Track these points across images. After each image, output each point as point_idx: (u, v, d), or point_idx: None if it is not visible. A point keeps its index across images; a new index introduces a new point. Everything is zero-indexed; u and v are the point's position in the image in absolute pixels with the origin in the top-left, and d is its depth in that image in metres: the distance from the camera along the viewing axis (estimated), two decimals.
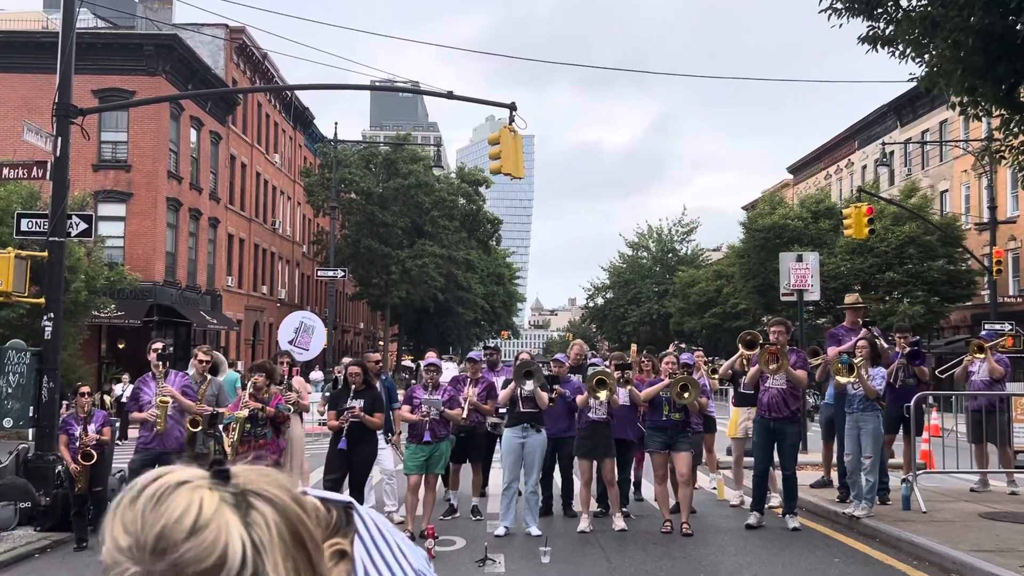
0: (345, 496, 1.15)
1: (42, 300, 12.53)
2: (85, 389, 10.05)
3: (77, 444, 9.69)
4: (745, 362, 11.11)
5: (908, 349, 11.82)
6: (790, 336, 10.72)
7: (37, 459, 11.61)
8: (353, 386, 10.00)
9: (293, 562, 0.96)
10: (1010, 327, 26.93)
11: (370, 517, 1.14)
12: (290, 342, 15.75)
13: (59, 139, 12.34)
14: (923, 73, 10.08)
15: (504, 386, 10.65)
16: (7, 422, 11.79)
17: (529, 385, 10.12)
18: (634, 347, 13.48)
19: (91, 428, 9.70)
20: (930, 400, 13.22)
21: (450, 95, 15.89)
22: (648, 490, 12.68)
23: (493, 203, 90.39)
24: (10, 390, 11.69)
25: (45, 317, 12.14)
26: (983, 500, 11.61)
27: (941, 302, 37.33)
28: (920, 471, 11.55)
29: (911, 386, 11.73)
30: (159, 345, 9.91)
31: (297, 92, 53.22)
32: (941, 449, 13.16)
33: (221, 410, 10.28)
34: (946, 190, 44.03)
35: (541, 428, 10.42)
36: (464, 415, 10.73)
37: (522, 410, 10.31)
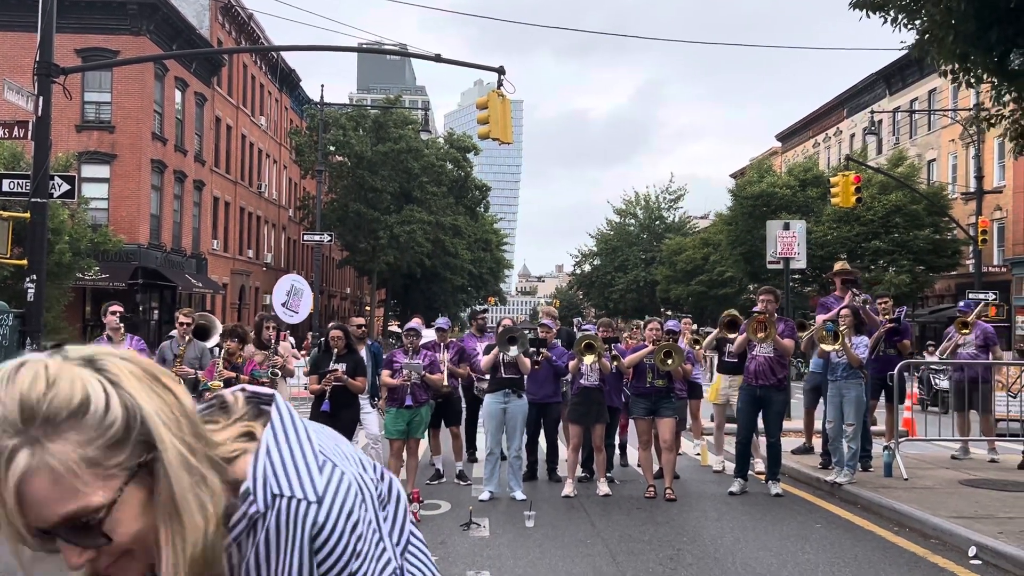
0: (270, 391, 1.27)
1: (25, 262, 12.42)
2: None
3: None
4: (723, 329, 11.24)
5: (889, 326, 11.85)
6: (778, 305, 10.78)
7: None
8: (335, 350, 9.97)
9: (155, 394, 1.08)
10: (993, 296, 27.08)
11: (289, 411, 1.25)
12: (283, 304, 15.82)
13: (40, 98, 12.17)
14: (914, 39, 10.03)
15: (487, 351, 10.65)
16: None
17: (513, 351, 10.12)
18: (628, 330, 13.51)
19: None
20: (912, 369, 13.33)
21: (438, 58, 15.74)
22: (632, 455, 12.76)
23: (481, 168, 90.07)
24: None
25: (28, 279, 12.04)
26: (964, 467, 11.73)
27: (926, 271, 37.55)
28: (902, 439, 11.65)
29: (892, 356, 11.80)
30: (117, 307, 9.79)
31: (283, 54, 52.66)
32: (923, 417, 13.27)
33: (202, 374, 10.23)
34: (933, 159, 44.08)
35: (522, 393, 10.46)
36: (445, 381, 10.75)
37: (504, 376, 10.32)
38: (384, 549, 1.25)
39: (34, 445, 1.01)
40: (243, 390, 1.26)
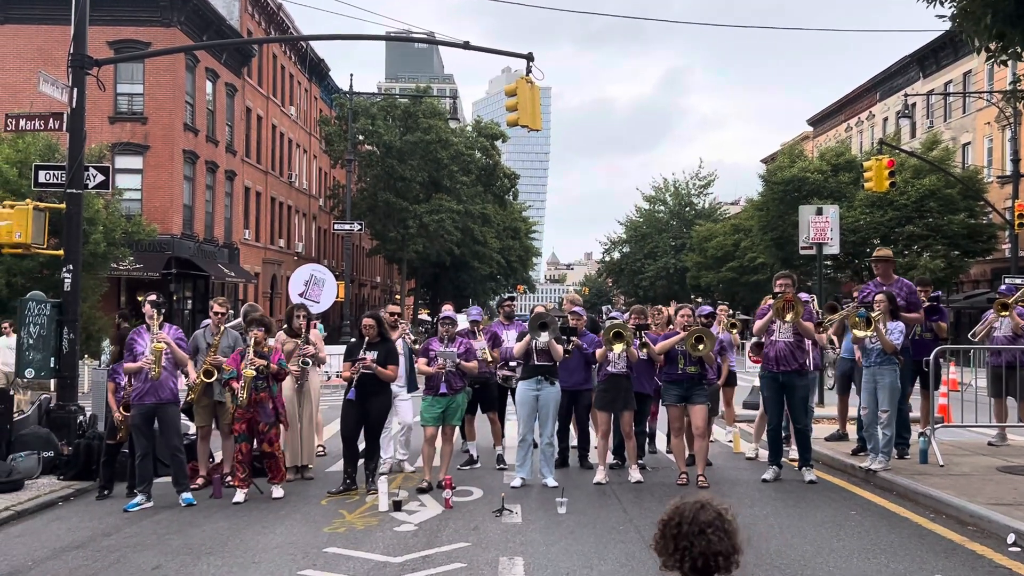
0: None
1: (61, 252, 12.57)
2: None
3: (122, 394, 9.72)
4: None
5: (926, 303, 11.69)
6: (795, 289, 10.61)
7: (59, 409, 11.74)
8: (367, 338, 10.02)
9: None
10: None
11: None
12: (300, 294, 15.71)
13: (75, 90, 12.30)
14: (951, 14, 9.83)
15: (519, 338, 10.65)
16: (29, 373, 11.90)
17: (544, 337, 10.11)
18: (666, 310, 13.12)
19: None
20: (948, 354, 13.13)
21: (467, 45, 15.71)
22: (661, 442, 12.72)
23: (509, 156, 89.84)
24: (31, 341, 11.78)
25: (64, 269, 12.19)
26: (1001, 454, 11.58)
27: (961, 256, 37.00)
28: (937, 425, 11.52)
29: (928, 340, 11.64)
30: (153, 296, 9.88)
31: (312, 44, 52.80)
32: (959, 403, 13.11)
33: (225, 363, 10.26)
34: (968, 142, 43.43)
35: (555, 380, 10.44)
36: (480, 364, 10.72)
37: (536, 363, 10.31)
38: None
39: None
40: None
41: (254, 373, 9.42)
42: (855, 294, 12.41)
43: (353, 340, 10.67)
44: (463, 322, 12.25)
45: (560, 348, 10.28)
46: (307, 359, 10.79)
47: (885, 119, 51.28)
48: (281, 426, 9.96)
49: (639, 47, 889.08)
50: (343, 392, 10.45)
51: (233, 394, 9.59)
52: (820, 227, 17.74)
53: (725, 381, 12.46)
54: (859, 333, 10.25)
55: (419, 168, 51.53)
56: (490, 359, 11.29)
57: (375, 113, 51.14)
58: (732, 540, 2.78)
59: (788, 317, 10.07)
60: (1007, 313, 12.29)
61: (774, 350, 10.32)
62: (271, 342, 10.12)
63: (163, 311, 9.72)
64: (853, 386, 12.32)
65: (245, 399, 9.42)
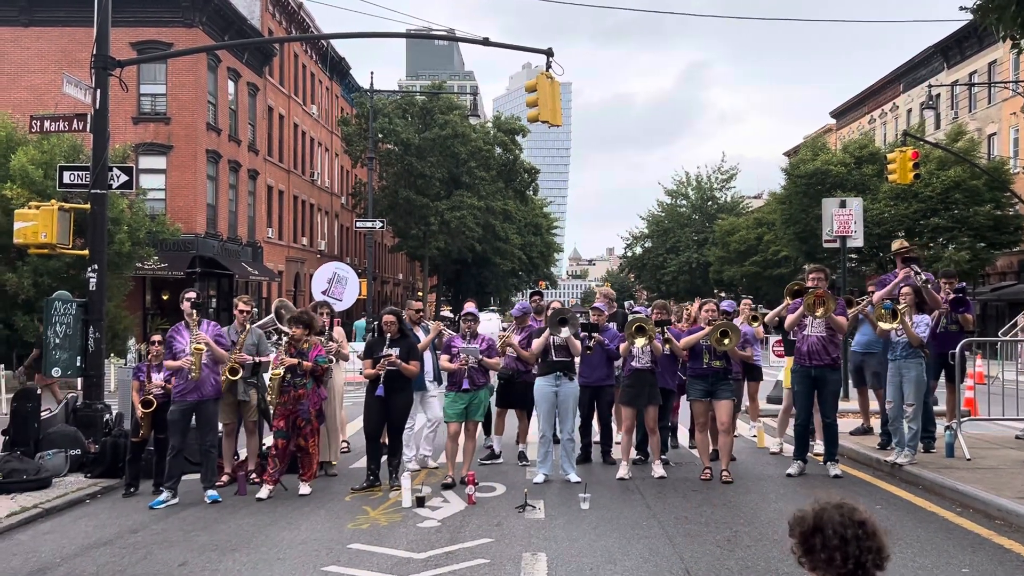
0: None
1: (86, 252, 12.68)
2: (156, 338, 10.12)
3: (144, 392, 9.81)
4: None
5: (952, 296, 11.58)
6: (828, 283, 10.55)
7: (86, 408, 11.85)
8: (388, 335, 10.05)
9: None
10: None
11: None
12: (323, 292, 15.80)
13: (98, 91, 12.39)
14: (976, 5, 9.74)
15: (537, 334, 10.63)
16: (55, 372, 12.02)
17: (565, 332, 10.10)
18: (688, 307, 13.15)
19: (156, 376, 9.78)
20: (974, 347, 13.00)
21: (486, 41, 15.70)
22: (683, 437, 12.68)
23: (531, 152, 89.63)
24: (57, 340, 11.89)
25: (90, 268, 12.29)
26: None
27: (987, 248, 36.59)
28: (964, 418, 11.41)
29: (954, 332, 11.52)
30: (192, 294, 9.98)
31: (333, 42, 52.96)
32: (986, 396, 12.98)
33: (262, 359, 10.38)
34: (994, 133, 42.94)
35: (573, 376, 10.43)
36: (502, 356, 10.71)
37: (555, 359, 10.31)
38: None
39: None
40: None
41: (281, 373, 9.51)
42: (871, 288, 12.31)
43: (374, 337, 10.70)
44: (484, 320, 12.20)
45: (578, 344, 10.28)
46: (331, 356, 10.83)
47: (909, 110, 50.79)
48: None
49: (657, 42, 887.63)
50: (365, 389, 10.48)
51: (263, 388, 9.73)
52: (844, 220, 17.60)
53: (751, 375, 12.38)
54: (885, 326, 10.17)
55: (438, 165, 51.58)
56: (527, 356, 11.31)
57: (391, 112, 51.22)
58: (883, 535, 2.69)
59: (819, 313, 9.98)
60: None
61: (806, 344, 10.22)
62: (312, 339, 10.20)
63: (200, 309, 9.84)
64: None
65: (276, 397, 9.54)
